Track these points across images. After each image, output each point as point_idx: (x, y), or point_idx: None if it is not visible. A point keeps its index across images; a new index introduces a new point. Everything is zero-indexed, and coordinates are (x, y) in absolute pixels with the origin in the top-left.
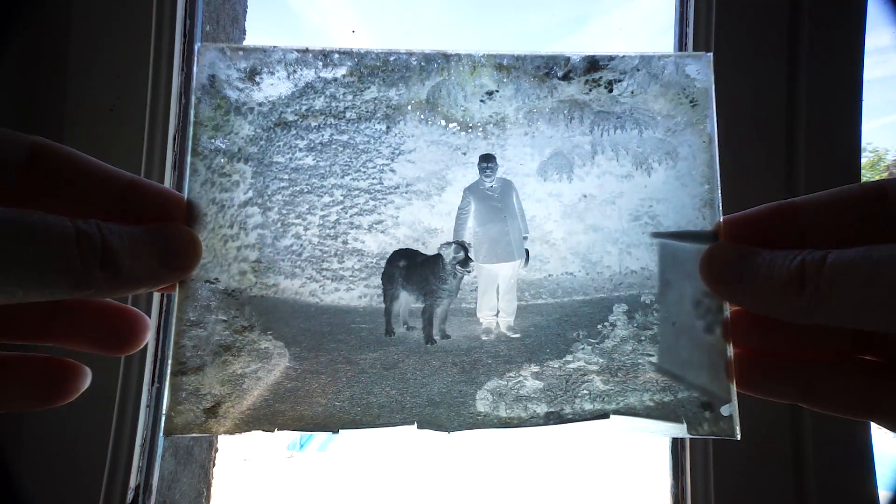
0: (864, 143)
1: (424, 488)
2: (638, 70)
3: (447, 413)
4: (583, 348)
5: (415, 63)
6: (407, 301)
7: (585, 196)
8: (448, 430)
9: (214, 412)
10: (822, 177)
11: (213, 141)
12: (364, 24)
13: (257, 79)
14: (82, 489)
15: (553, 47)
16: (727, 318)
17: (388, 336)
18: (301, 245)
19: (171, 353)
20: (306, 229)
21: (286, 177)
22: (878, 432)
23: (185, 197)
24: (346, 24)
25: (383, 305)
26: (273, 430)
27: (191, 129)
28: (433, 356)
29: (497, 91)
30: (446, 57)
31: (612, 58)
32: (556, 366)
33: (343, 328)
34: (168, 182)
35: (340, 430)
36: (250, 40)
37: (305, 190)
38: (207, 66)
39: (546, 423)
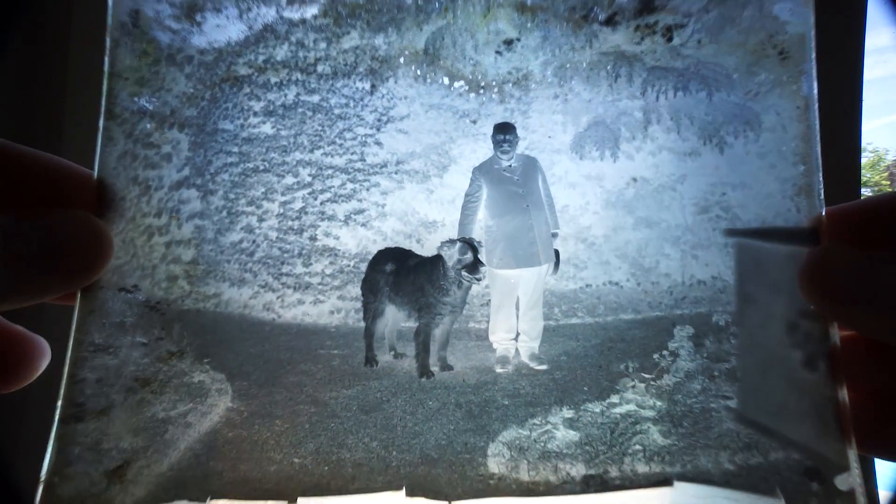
0: (864, 143)
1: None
2: (707, 11)
3: (447, 475)
4: (633, 386)
5: (409, 1)
6: (395, 318)
7: (635, 180)
8: (449, 498)
9: (121, 475)
10: (822, 177)
11: (136, 99)
12: None
13: (198, 17)
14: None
15: None
16: (836, 346)
17: (369, 366)
18: (254, 241)
19: (62, 392)
20: (261, 220)
21: (235, 150)
22: None
23: (95, 174)
24: None
25: (363, 324)
26: (205, 500)
27: (105, 82)
28: (429, 394)
29: (518, 39)
30: None
31: None
32: (598, 410)
33: (308, 355)
34: None
35: (300, 500)
36: None
37: (261, 168)
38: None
39: (584, 491)
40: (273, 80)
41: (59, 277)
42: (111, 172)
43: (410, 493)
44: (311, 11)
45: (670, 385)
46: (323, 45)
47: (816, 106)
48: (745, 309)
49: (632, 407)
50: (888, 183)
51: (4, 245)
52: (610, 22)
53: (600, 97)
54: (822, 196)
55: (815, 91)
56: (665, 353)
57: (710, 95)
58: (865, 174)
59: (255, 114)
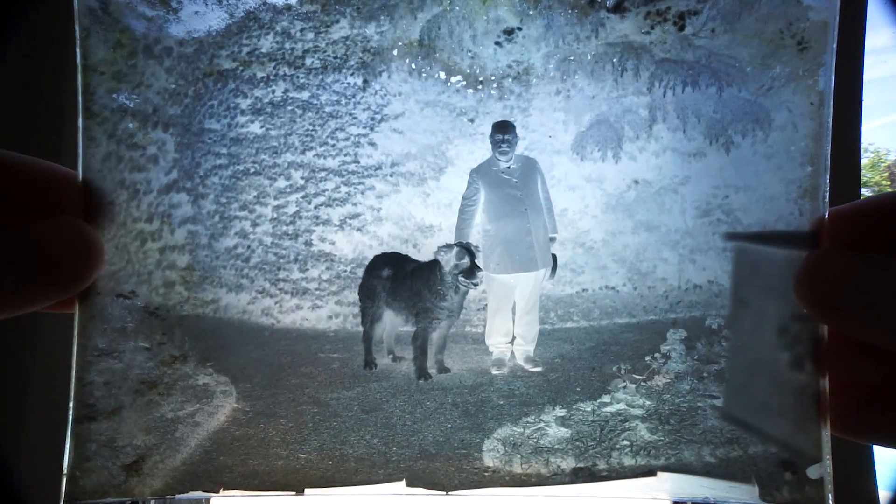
0: (864, 143)
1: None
2: None
3: (445, 468)
4: (624, 387)
5: None
6: (393, 323)
7: (637, 182)
8: (446, 489)
9: (137, 469)
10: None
11: (114, 96)
12: None
13: (173, 3)
14: None
15: None
16: (822, 342)
17: (368, 369)
18: (248, 247)
19: (72, 393)
20: (255, 225)
21: (224, 151)
22: None
23: (80, 176)
24: None
25: (361, 329)
26: (219, 491)
27: (79, 77)
28: (427, 395)
29: (519, 29)
30: None
31: None
32: (589, 409)
33: (308, 358)
34: None
35: (306, 491)
36: None
37: (252, 170)
38: None
39: (573, 482)
40: (259, 74)
41: (49, 287)
42: (97, 175)
43: (410, 484)
44: None
45: (660, 386)
46: (311, 35)
47: (832, 102)
48: (739, 312)
49: (622, 406)
50: (888, 183)
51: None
52: (618, 8)
53: (605, 93)
54: (827, 199)
55: (833, 86)
56: (657, 355)
57: (720, 91)
58: (865, 174)
59: (243, 112)
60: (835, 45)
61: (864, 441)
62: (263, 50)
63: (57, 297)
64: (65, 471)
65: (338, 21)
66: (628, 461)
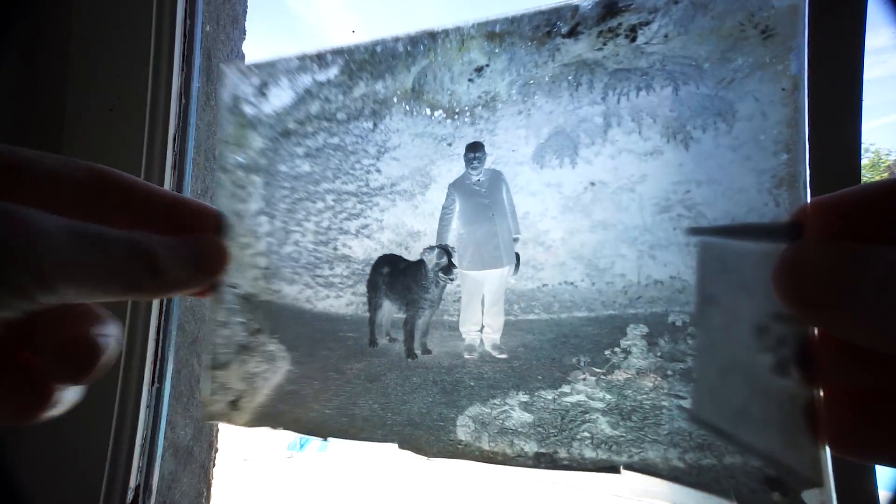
0: (864, 143)
1: (423, 489)
2: (676, 2)
3: (426, 436)
4: (584, 378)
5: (401, 49)
6: (390, 311)
7: (593, 184)
8: (427, 455)
9: (236, 405)
10: (822, 177)
11: (234, 157)
12: (364, 24)
13: (265, 91)
14: (82, 489)
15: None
16: (812, 347)
17: (372, 347)
18: (299, 251)
19: (209, 350)
20: (303, 235)
21: (288, 185)
22: None
23: (217, 209)
24: (345, 25)
25: (368, 315)
26: (278, 429)
27: (218, 147)
28: (414, 372)
29: (487, 65)
30: (432, 36)
31: None
32: (550, 397)
33: (332, 336)
34: (168, 182)
35: (329, 438)
36: (250, 41)
37: (303, 197)
38: (230, 88)
39: (536, 465)
40: (310, 129)
41: (204, 276)
42: (224, 208)
43: (401, 447)
44: (333, 72)
45: (620, 381)
46: (341, 96)
47: (807, 85)
48: (706, 310)
49: (582, 397)
50: None
51: (181, 257)
52: (572, 34)
53: (561, 108)
54: (809, 187)
55: (806, 68)
56: (617, 349)
57: (676, 90)
58: (865, 174)
59: (299, 157)
60: (806, 28)
61: (865, 461)
62: (312, 112)
63: (206, 283)
64: (202, 399)
65: (357, 84)
66: (589, 453)
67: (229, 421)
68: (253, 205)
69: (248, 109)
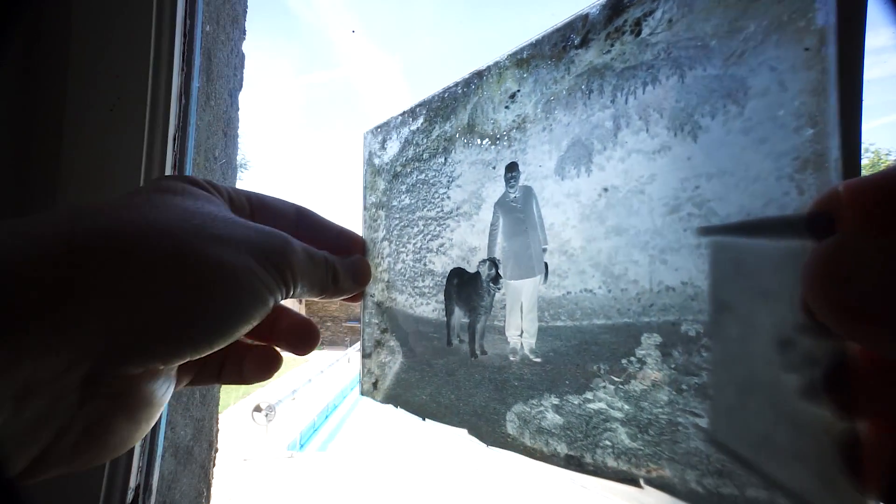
0: (864, 143)
1: (424, 488)
2: None
3: (485, 427)
4: (604, 387)
5: (459, 91)
6: (459, 315)
7: (606, 189)
8: (487, 443)
9: (376, 386)
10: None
11: (370, 198)
12: (363, 25)
13: (385, 145)
14: (82, 489)
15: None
16: (851, 368)
17: (448, 346)
18: (405, 268)
19: (363, 342)
20: (407, 255)
21: (397, 216)
22: None
23: (364, 239)
24: (345, 25)
25: (445, 319)
26: (398, 407)
27: (363, 194)
28: (476, 370)
29: (518, 90)
30: (480, 74)
31: None
32: (576, 402)
33: (425, 336)
34: None
35: (426, 419)
36: (250, 41)
37: (406, 224)
38: (367, 146)
39: (567, 467)
40: (407, 170)
41: (358, 286)
42: (364, 236)
43: (469, 433)
44: (420, 122)
45: (637, 391)
46: (425, 140)
47: (835, 42)
48: (721, 319)
49: (603, 405)
50: None
51: (348, 272)
52: (584, 42)
53: (576, 118)
54: (840, 167)
55: (835, 19)
56: (632, 359)
57: (681, 78)
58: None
59: (403, 192)
60: None
61: None
62: (409, 156)
63: (359, 291)
64: (360, 380)
65: (434, 128)
66: (611, 462)
67: (373, 397)
68: (380, 233)
69: (377, 160)
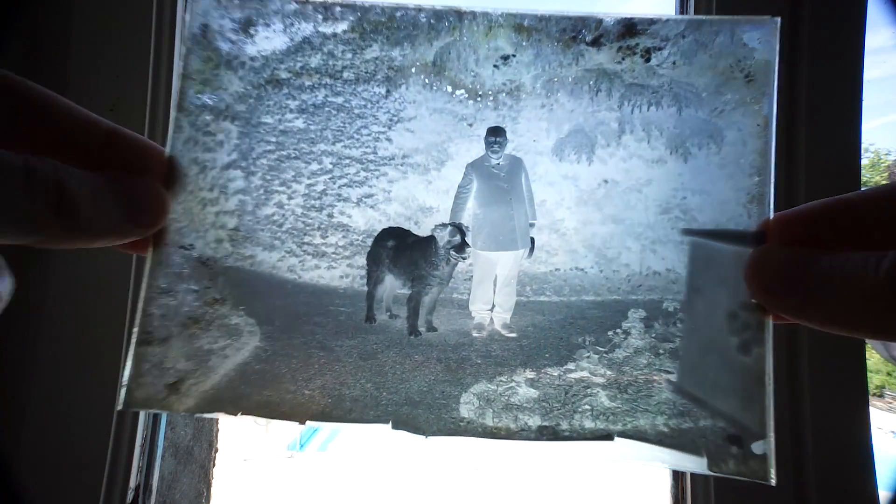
0: (864, 143)
1: (423, 489)
2: (684, 37)
3: (426, 415)
4: (588, 357)
5: (423, 20)
6: (392, 286)
7: (607, 181)
8: (426, 433)
9: (177, 389)
10: (822, 177)
11: (200, 96)
12: None
13: (251, 30)
14: (82, 489)
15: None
16: (768, 325)
17: (369, 323)
18: (283, 215)
19: (138, 321)
20: (290, 198)
21: (273, 140)
22: (877, 432)
23: (166, 152)
24: None
25: (366, 289)
26: (236, 414)
27: (178, 81)
28: (416, 350)
29: (514, 55)
30: (459, 14)
31: (653, 21)
32: (556, 374)
33: (321, 310)
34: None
35: (307, 422)
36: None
37: (293, 155)
38: (200, 15)
39: (538, 438)
40: (307, 83)
41: (133, 227)
42: (178, 153)
43: (395, 427)
44: (341, 27)
45: (620, 358)
46: (349, 55)
47: (774, 124)
48: (693, 298)
49: (585, 374)
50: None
51: (105, 198)
52: (595, 43)
53: (581, 108)
54: (773, 205)
55: (775, 111)
56: (619, 331)
57: (679, 111)
58: (865, 174)
59: (291, 111)
60: (776, 79)
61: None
62: (312, 65)
63: (135, 236)
64: (123, 382)
65: (370, 45)
66: (588, 424)
67: (164, 407)
68: (223, 156)
69: (224, 45)
